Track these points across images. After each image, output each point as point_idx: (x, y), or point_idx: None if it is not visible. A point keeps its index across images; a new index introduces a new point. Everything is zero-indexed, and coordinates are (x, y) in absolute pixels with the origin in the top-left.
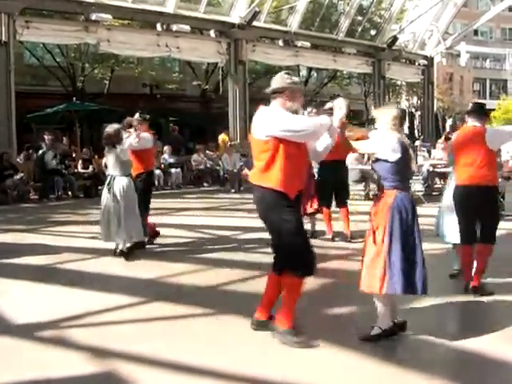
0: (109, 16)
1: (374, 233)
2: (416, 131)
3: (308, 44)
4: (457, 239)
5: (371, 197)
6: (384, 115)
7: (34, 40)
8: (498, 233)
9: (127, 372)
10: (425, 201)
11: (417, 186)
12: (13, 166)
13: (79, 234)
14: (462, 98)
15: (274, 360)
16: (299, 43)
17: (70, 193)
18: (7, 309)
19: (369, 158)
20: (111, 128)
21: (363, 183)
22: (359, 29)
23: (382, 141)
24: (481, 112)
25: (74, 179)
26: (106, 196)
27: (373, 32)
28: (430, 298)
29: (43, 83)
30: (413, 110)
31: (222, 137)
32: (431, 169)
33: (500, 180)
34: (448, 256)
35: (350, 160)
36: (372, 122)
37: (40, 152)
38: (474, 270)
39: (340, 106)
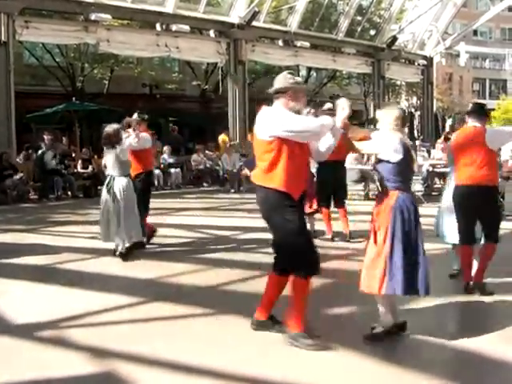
0: (108, 16)
1: (375, 233)
2: (415, 131)
3: (307, 44)
4: (457, 239)
5: (371, 197)
6: (386, 116)
7: (33, 40)
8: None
9: (127, 372)
10: (424, 201)
11: (416, 186)
12: (12, 166)
13: (79, 234)
14: (461, 98)
15: (274, 360)
16: (299, 43)
17: (69, 193)
18: (7, 309)
19: (368, 158)
20: (110, 128)
21: (363, 183)
22: (359, 29)
23: (384, 141)
24: (481, 112)
25: (73, 179)
26: (105, 196)
27: (372, 32)
28: (430, 298)
29: (43, 83)
30: (412, 110)
31: (222, 137)
32: (431, 169)
33: (499, 180)
34: (448, 256)
35: (350, 160)
36: (371, 121)
37: (39, 152)
38: (475, 268)
39: (343, 107)
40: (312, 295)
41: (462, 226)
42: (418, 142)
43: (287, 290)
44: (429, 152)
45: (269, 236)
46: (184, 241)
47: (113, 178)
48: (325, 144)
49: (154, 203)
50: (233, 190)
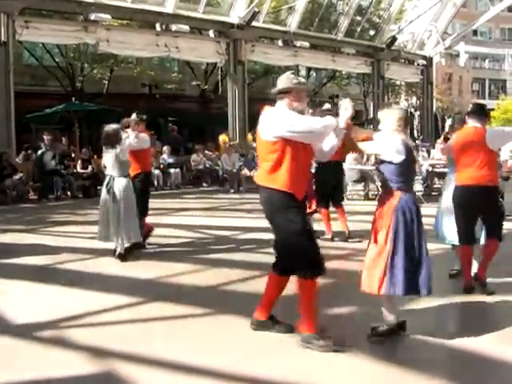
0: (108, 16)
1: (376, 233)
2: (415, 131)
3: (307, 44)
4: (456, 240)
5: (371, 197)
6: (388, 117)
7: (33, 40)
8: None
9: (126, 372)
10: (424, 201)
11: (416, 186)
12: (12, 166)
13: (78, 235)
14: (460, 98)
15: (273, 360)
16: (298, 43)
17: (69, 193)
18: (6, 309)
19: (368, 159)
20: (110, 128)
21: (362, 183)
22: (358, 29)
23: (386, 142)
24: (481, 113)
25: (73, 179)
26: (105, 196)
27: (372, 32)
28: (430, 298)
29: (42, 83)
30: (412, 110)
31: (222, 137)
32: (430, 169)
33: (499, 180)
34: (448, 256)
35: (350, 160)
36: (371, 122)
37: (39, 152)
38: (475, 268)
39: (346, 107)
40: None
41: (461, 226)
42: (417, 142)
43: (287, 290)
44: (428, 152)
45: (269, 236)
46: (184, 241)
47: (112, 178)
48: (328, 144)
49: (153, 203)
50: (232, 190)
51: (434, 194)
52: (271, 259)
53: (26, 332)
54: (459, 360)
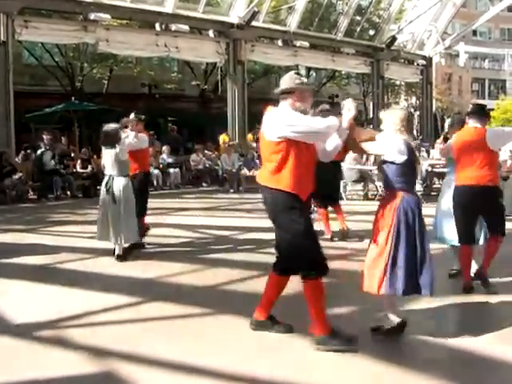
0: (107, 16)
1: (377, 233)
2: (415, 131)
3: (307, 44)
4: (456, 240)
5: (370, 197)
6: (391, 117)
7: (32, 39)
8: None
9: (126, 372)
10: (424, 201)
11: (416, 186)
12: (11, 166)
13: (78, 234)
14: (460, 98)
15: (274, 360)
16: (298, 43)
17: (68, 193)
18: (6, 309)
19: (367, 159)
20: (109, 127)
21: (362, 183)
22: (358, 29)
23: (388, 142)
24: (482, 113)
25: (72, 179)
26: (104, 196)
27: (371, 32)
28: (430, 298)
29: (42, 83)
30: (412, 110)
31: (222, 137)
32: (430, 169)
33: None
34: (447, 256)
35: (349, 160)
36: (370, 122)
37: (38, 152)
38: (475, 268)
39: (349, 108)
40: None
41: (461, 226)
42: (417, 142)
43: (287, 290)
44: (428, 152)
45: (269, 236)
46: (183, 241)
47: (112, 177)
48: (332, 144)
49: (152, 203)
50: (232, 190)
51: (433, 193)
52: (271, 259)
53: (25, 332)
54: (459, 360)
